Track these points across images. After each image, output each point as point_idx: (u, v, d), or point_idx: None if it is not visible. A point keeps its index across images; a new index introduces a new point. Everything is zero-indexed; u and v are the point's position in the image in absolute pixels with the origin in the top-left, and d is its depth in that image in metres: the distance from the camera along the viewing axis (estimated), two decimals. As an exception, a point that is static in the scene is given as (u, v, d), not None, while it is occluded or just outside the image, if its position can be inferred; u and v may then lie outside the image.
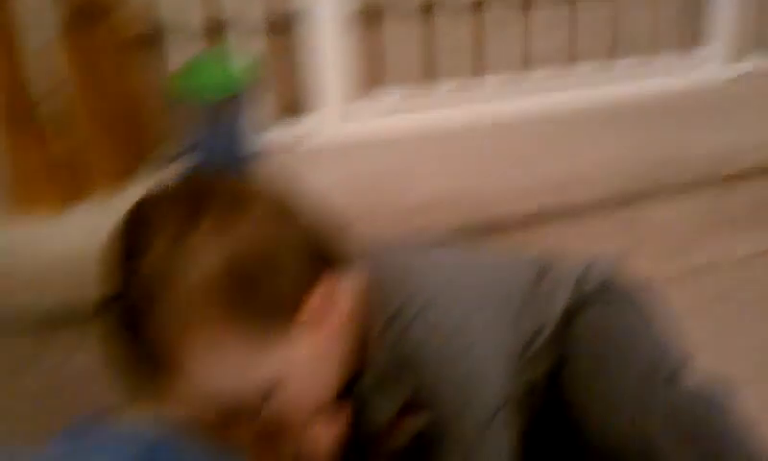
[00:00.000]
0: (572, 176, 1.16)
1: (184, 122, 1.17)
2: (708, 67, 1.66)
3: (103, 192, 1.04)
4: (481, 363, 0.70)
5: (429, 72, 1.44)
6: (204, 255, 0.61)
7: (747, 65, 1.70)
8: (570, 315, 0.82)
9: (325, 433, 0.71)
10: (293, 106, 1.33)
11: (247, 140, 1.04)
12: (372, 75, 1.39)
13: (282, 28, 1.30)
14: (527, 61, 1.51)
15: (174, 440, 0.64)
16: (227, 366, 0.63)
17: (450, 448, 0.69)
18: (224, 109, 1.03)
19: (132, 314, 0.62)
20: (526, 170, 1.16)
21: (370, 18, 1.37)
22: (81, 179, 1.01)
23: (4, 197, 1.01)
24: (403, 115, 1.39)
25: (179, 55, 1.21)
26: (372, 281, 0.72)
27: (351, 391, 0.72)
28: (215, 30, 1.24)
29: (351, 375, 0.71)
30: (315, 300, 0.66)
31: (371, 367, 0.71)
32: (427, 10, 1.41)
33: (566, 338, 0.80)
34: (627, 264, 1.26)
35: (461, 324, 0.70)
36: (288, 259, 0.65)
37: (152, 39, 1.20)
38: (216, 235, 0.62)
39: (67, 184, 0.99)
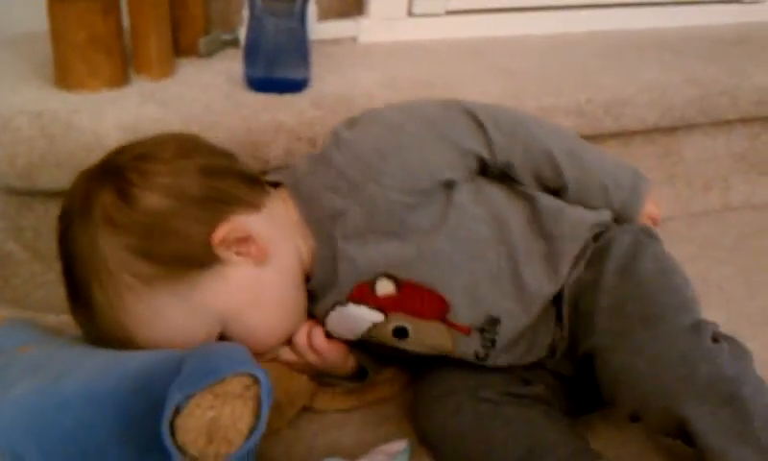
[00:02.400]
0: (616, 99, 1.15)
1: (232, 9, 1.17)
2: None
3: (145, 76, 1.03)
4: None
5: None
6: (109, 236, 0.69)
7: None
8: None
9: (316, 337, 0.80)
10: (346, 5, 1.30)
11: (300, 32, 1.02)
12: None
13: None
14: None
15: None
16: (168, 321, 0.71)
17: None
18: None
19: (80, 303, 0.73)
20: (572, 87, 1.15)
21: None
22: (123, 61, 1.00)
23: (45, 75, 1.00)
24: (455, 23, 1.36)
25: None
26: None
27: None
28: None
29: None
30: (218, 236, 0.72)
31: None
32: None
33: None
34: (663, 193, 1.27)
35: None
36: (185, 213, 0.71)
37: None
38: (117, 211, 0.69)
39: (109, 66, 0.99)
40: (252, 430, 0.60)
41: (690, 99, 1.20)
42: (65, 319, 0.93)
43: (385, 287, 0.77)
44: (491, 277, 0.78)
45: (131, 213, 0.69)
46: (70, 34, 0.95)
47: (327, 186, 0.76)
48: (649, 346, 0.70)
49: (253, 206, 0.76)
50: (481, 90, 1.09)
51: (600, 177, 0.85)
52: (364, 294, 0.77)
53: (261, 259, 0.74)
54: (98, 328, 0.71)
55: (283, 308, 0.79)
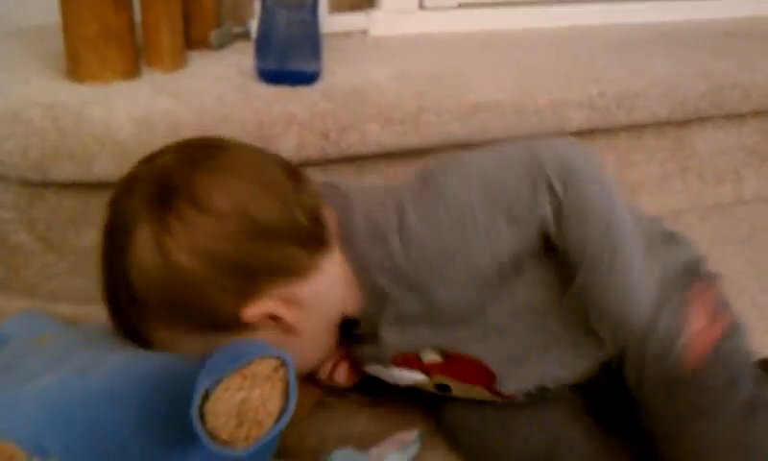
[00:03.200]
0: (629, 92, 1.14)
1: (244, 2, 1.17)
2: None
3: (156, 69, 1.03)
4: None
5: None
6: (137, 274, 0.66)
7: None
8: None
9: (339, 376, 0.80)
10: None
11: (312, 24, 1.02)
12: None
13: None
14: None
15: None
16: (188, 349, 0.67)
17: None
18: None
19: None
20: (584, 81, 1.14)
21: None
22: (135, 54, 1.01)
23: (56, 67, 1.01)
24: (467, 16, 1.36)
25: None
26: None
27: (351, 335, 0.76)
28: None
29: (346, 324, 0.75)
30: (248, 313, 0.67)
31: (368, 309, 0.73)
32: None
33: None
34: (675, 186, 1.26)
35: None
36: (218, 281, 0.66)
37: None
38: (149, 258, 0.65)
39: (121, 58, 0.99)
40: (281, 412, 0.60)
41: (702, 92, 1.20)
42: (78, 310, 0.94)
43: (430, 356, 0.74)
44: (545, 345, 0.73)
45: (161, 265, 0.65)
46: (82, 26, 0.95)
47: (384, 270, 0.69)
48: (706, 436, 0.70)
49: (300, 273, 0.68)
50: (493, 84, 1.09)
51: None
52: (408, 360, 0.75)
53: (290, 331, 0.70)
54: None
55: (312, 351, 0.75)
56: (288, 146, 0.95)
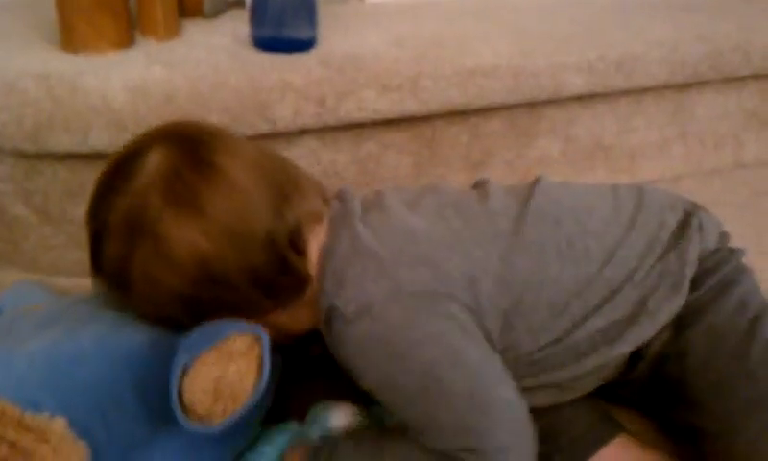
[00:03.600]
0: (628, 56, 1.13)
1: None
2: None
3: (151, 38, 1.02)
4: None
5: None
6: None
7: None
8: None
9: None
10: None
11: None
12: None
13: None
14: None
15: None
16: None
17: None
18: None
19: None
20: (583, 45, 1.13)
21: None
22: (128, 23, 1.00)
23: (50, 37, 1.00)
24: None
25: None
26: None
27: None
28: None
29: None
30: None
31: None
32: None
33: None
34: (675, 151, 1.26)
35: None
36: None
37: None
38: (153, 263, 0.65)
39: (115, 27, 0.98)
40: (257, 383, 0.62)
41: (702, 55, 1.19)
42: (76, 282, 0.94)
43: None
44: None
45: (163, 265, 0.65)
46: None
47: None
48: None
49: (281, 306, 0.71)
50: (491, 49, 1.08)
51: None
52: None
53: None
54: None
55: (285, 339, 0.76)
56: (284, 113, 0.94)
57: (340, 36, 1.09)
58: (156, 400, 0.63)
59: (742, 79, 1.27)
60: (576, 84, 1.10)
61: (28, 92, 0.88)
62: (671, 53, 1.17)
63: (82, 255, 0.95)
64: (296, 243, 0.69)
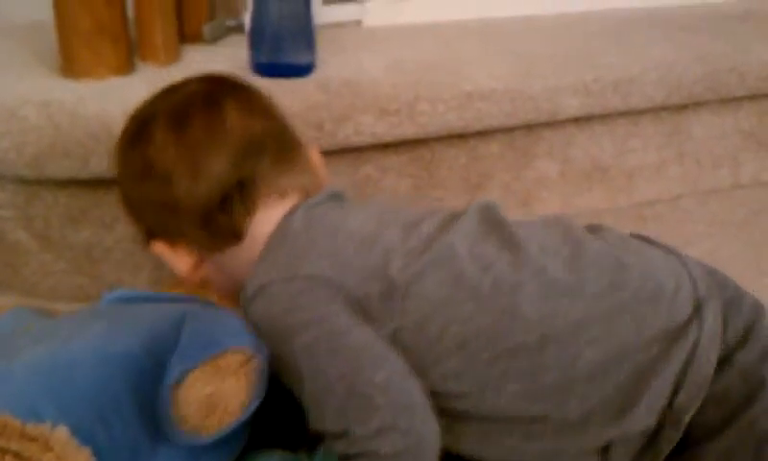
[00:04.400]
0: (624, 78, 1.14)
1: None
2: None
3: (151, 64, 1.03)
4: None
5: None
6: None
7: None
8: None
9: None
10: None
11: (305, 16, 1.02)
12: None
13: None
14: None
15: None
16: None
17: None
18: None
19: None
20: (579, 67, 1.14)
21: None
22: (128, 49, 1.00)
23: (50, 63, 1.01)
24: (460, 5, 1.36)
25: None
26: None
27: None
28: None
29: None
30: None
31: None
32: None
33: None
34: (672, 172, 1.26)
35: None
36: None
37: None
38: None
39: (114, 53, 0.99)
40: (250, 401, 0.63)
41: (698, 76, 1.20)
42: (76, 307, 0.94)
43: None
44: None
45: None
46: (75, 22, 0.95)
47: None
48: None
49: (216, 248, 0.77)
50: (488, 72, 1.08)
51: None
52: None
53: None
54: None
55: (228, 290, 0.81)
56: (283, 139, 0.95)
57: (338, 60, 1.10)
58: (154, 406, 0.63)
59: (738, 99, 1.27)
60: (573, 106, 1.11)
61: (29, 119, 0.89)
62: (667, 74, 1.17)
63: (82, 281, 0.96)
64: (244, 194, 0.74)
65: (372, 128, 0.99)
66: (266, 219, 0.75)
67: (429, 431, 0.64)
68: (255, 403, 0.63)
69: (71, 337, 0.66)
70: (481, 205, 0.77)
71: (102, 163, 0.89)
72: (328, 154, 0.99)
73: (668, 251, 0.77)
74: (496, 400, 0.68)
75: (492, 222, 0.75)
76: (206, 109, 0.76)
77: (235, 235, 0.75)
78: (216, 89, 0.79)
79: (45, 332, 0.70)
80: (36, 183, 0.92)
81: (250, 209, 0.75)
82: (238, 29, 1.15)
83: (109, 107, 0.91)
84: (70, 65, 0.97)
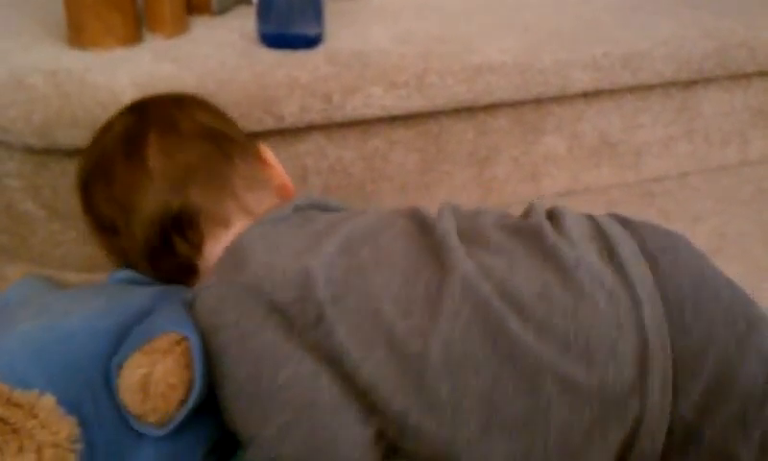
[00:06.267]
0: (634, 53, 1.13)
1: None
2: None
3: (158, 34, 1.03)
4: None
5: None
6: None
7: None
8: None
9: None
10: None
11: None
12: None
13: None
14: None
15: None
16: None
17: None
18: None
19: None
20: (588, 41, 1.14)
21: None
22: (136, 19, 1.00)
23: (58, 33, 1.00)
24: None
25: None
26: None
27: None
28: None
29: None
30: None
31: None
32: None
33: None
34: (680, 148, 1.26)
35: None
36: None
37: None
38: None
39: (122, 24, 0.98)
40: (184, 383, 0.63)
41: (708, 52, 1.19)
42: (85, 277, 0.95)
43: None
44: None
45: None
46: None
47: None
48: None
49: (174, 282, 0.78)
50: (497, 45, 1.08)
51: None
52: None
53: None
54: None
55: None
56: (291, 110, 0.94)
57: (347, 32, 1.09)
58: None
59: (748, 76, 1.26)
60: (582, 80, 1.11)
61: (36, 88, 0.89)
62: (677, 50, 1.17)
63: (91, 251, 0.96)
64: (184, 231, 0.74)
65: (380, 100, 0.99)
66: (215, 251, 0.74)
67: (343, 435, 0.61)
68: (197, 389, 0.63)
69: (69, 311, 0.67)
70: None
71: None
72: (337, 126, 1.00)
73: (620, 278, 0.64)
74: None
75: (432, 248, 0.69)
76: (126, 153, 0.77)
77: (189, 271, 0.76)
78: (138, 126, 0.79)
79: (46, 304, 0.70)
80: (44, 153, 0.91)
81: (195, 245, 0.75)
82: (246, 0, 1.14)
83: (118, 76, 0.91)
84: (78, 35, 0.97)
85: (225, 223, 0.75)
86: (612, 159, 1.22)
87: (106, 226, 0.78)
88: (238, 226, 0.75)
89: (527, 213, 0.74)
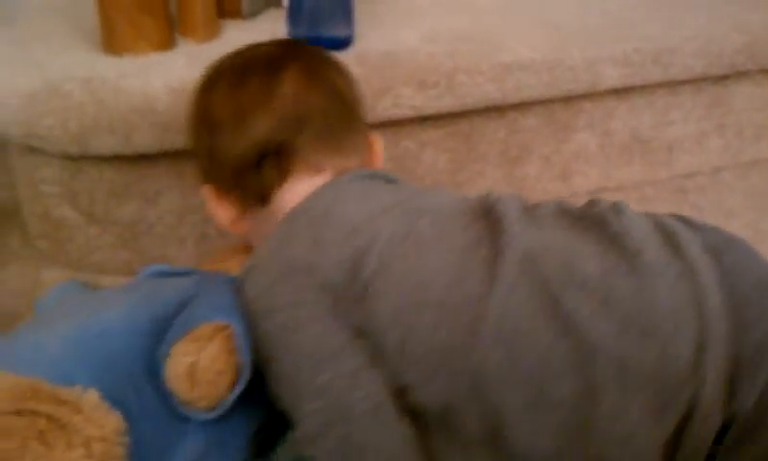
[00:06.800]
0: (665, 48, 1.13)
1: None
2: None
3: (190, 39, 1.04)
4: None
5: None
6: None
7: None
8: None
9: None
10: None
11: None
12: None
13: None
14: None
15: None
16: None
17: None
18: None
19: None
20: (617, 37, 1.13)
21: None
22: (169, 24, 1.01)
23: (91, 40, 1.01)
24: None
25: None
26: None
27: None
28: None
29: None
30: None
31: None
32: None
33: None
34: (712, 144, 1.25)
35: None
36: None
37: None
38: None
39: (155, 29, 0.99)
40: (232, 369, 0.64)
41: (739, 46, 1.18)
42: (122, 281, 0.96)
43: None
44: None
45: None
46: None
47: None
48: None
49: (246, 205, 0.80)
50: (526, 43, 1.07)
51: None
52: None
53: None
54: None
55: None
56: (323, 112, 0.95)
57: (376, 33, 1.09)
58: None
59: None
60: (612, 76, 1.10)
61: (72, 96, 0.90)
62: (707, 44, 1.16)
63: (128, 256, 0.97)
64: (279, 161, 0.76)
65: (411, 100, 0.99)
66: (294, 189, 0.76)
67: (378, 441, 0.61)
68: (245, 374, 0.64)
69: (106, 307, 0.68)
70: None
71: (145, 138, 0.90)
72: (369, 127, 1.00)
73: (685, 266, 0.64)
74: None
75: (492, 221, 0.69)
76: (265, 71, 0.79)
77: (262, 199, 0.78)
78: (283, 55, 0.82)
79: (82, 303, 0.72)
80: (81, 159, 0.93)
81: (281, 176, 0.77)
82: (277, 3, 1.15)
83: (152, 81, 0.92)
84: (111, 41, 0.98)
85: (317, 170, 0.77)
86: (643, 156, 1.22)
87: (208, 122, 0.79)
88: (323, 179, 0.77)
89: (588, 206, 0.74)
